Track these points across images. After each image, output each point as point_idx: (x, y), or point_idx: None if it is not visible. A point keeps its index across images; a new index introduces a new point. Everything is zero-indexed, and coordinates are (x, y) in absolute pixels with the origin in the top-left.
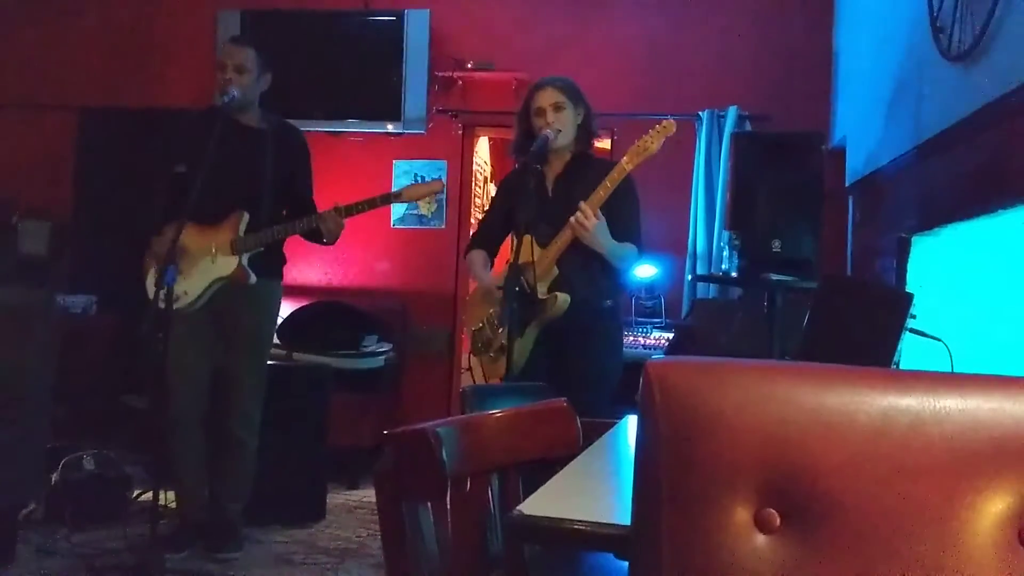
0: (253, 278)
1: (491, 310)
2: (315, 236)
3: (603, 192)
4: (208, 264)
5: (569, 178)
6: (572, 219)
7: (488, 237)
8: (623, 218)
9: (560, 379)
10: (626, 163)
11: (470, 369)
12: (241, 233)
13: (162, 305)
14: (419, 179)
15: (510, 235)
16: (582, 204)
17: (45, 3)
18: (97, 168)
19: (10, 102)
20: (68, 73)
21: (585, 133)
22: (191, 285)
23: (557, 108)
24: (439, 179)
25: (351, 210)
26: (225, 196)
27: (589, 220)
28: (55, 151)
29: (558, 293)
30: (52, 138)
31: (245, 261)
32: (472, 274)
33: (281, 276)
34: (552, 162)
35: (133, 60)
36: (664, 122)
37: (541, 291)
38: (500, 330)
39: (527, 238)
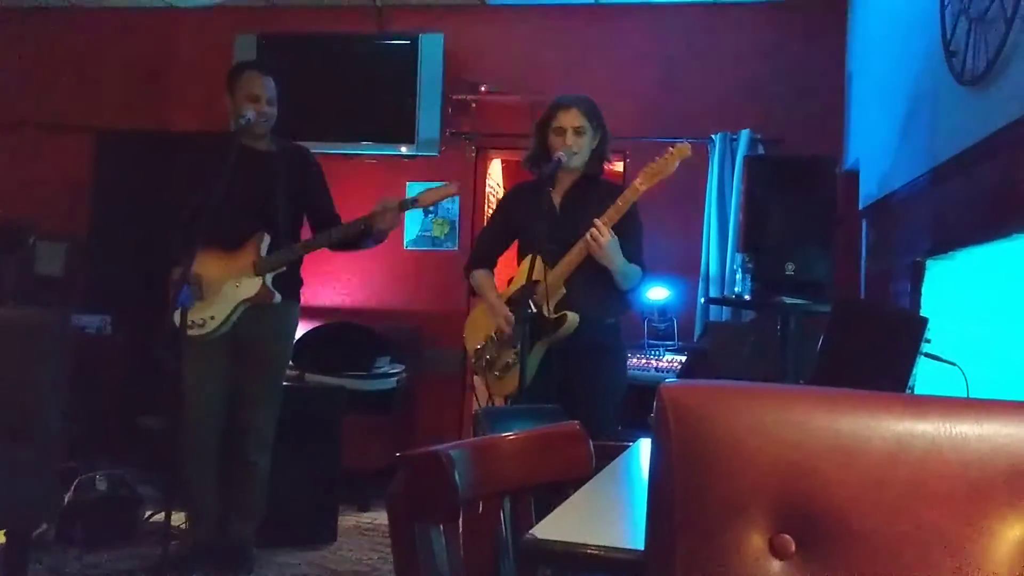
0: (278, 297)
1: (494, 328)
2: (353, 242)
3: (615, 212)
4: (232, 288)
5: (576, 198)
6: (587, 235)
7: (489, 253)
8: (628, 240)
9: (567, 396)
10: (639, 184)
11: (474, 388)
12: (263, 254)
13: (186, 326)
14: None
15: (508, 249)
16: (596, 221)
17: (63, 26)
18: (114, 190)
19: (29, 123)
20: (86, 95)
21: (598, 157)
22: (218, 311)
23: (578, 132)
24: (454, 182)
25: (406, 204)
26: (243, 221)
27: (604, 236)
28: (72, 173)
29: (568, 312)
30: (70, 160)
31: (269, 281)
32: (480, 294)
33: (299, 298)
34: (561, 180)
35: (150, 83)
36: (679, 145)
37: (549, 309)
38: (506, 348)
39: (537, 259)
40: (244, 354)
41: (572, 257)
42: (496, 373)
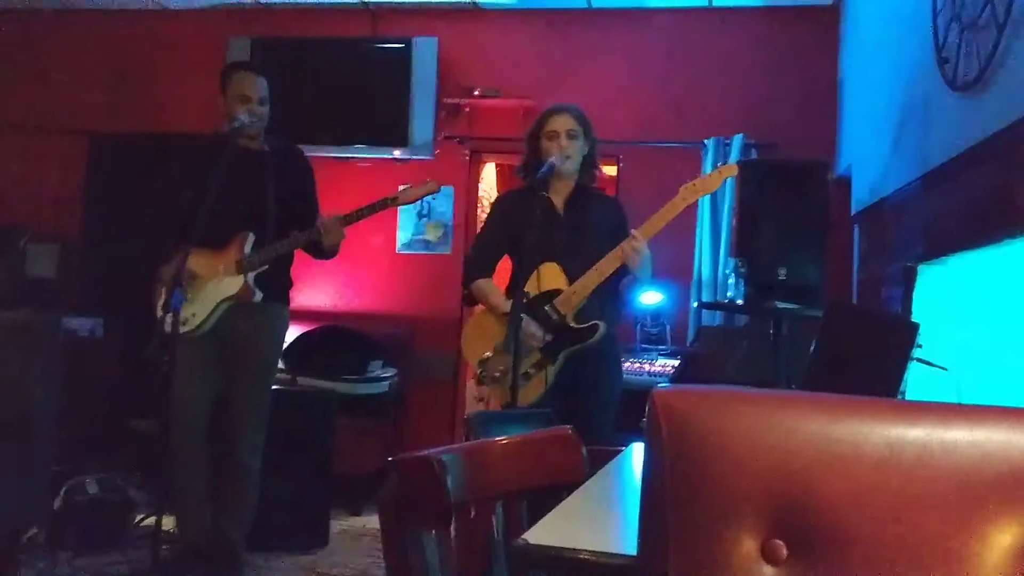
0: (259, 295)
1: (501, 338)
2: (318, 249)
3: (658, 222)
4: (215, 286)
5: (579, 207)
6: (625, 246)
7: (488, 262)
8: None
9: (570, 404)
10: (681, 200)
11: (483, 399)
12: (247, 252)
13: (168, 329)
14: (425, 204)
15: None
16: (635, 232)
17: (56, 28)
18: (106, 192)
19: (21, 126)
20: (78, 98)
21: (589, 165)
22: (199, 308)
23: (570, 136)
24: (433, 181)
25: (351, 218)
26: (231, 219)
27: (645, 249)
28: (65, 175)
29: (598, 322)
30: (62, 162)
31: (251, 280)
32: (487, 303)
33: (288, 300)
34: (556, 188)
35: (143, 86)
36: (728, 164)
37: (569, 319)
38: (523, 358)
39: (554, 266)
40: (232, 356)
41: (603, 267)
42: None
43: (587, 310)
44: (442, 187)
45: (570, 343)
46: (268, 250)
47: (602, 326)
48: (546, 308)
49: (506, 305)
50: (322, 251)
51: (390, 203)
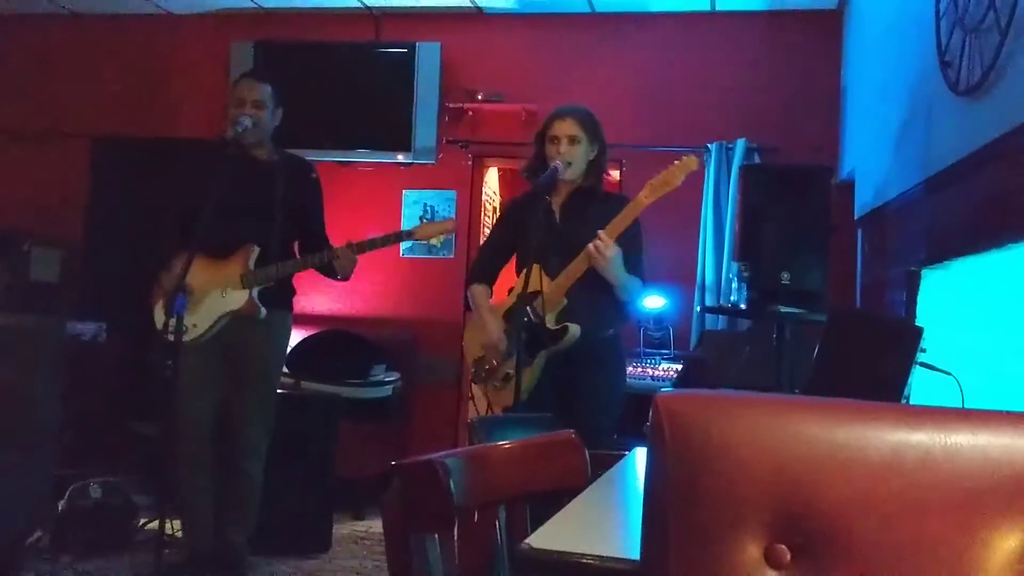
0: (263, 312)
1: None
2: (328, 271)
3: (618, 224)
4: (218, 298)
5: (575, 209)
6: (590, 247)
7: (490, 266)
8: (628, 250)
9: (566, 407)
10: (644, 197)
11: (473, 397)
12: (251, 267)
13: (171, 334)
14: (428, 208)
15: (509, 261)
16: (600, 233)
17: (60, 34)
18: (109, 197)
19: (25, 131)
20: (82, 102)
21: (596, 168)
22: (200, 318)
23: (572, 141)
24: (452, 218)
25: (364, 247)
26: (235, 229)
27: (608, 249)
28: (68, 180)
29: (569, 324)
30: (65, 167)
31: (255, 295)
32: (475, 310)
33: (291, 308)
34: (558, 191)
35: (147, 91)
36: (685, 158)
37: (549, 321)
38: (506, 359)
39: (536, 267)
40: (235, 365)
41: (574, 268)
42: (496, 384)
43: (571, 312)
44: (445, 191)
45: (543, 345)
46: (273, 269)
47: (573, 328)
48: (527, 310)
49: (491, 320)
50: (333, 274)
51: (405, 237)
